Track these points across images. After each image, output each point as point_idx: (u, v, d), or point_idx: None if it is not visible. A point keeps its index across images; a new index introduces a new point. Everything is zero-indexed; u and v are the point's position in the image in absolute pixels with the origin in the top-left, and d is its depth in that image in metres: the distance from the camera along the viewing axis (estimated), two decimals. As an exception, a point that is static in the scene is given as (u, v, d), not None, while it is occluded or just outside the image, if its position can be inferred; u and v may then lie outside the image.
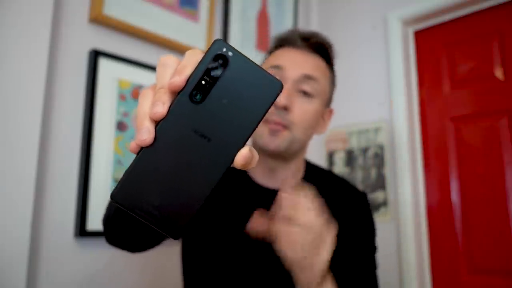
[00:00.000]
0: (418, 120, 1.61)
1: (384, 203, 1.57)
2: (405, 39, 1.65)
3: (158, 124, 0.30)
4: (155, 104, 0.30)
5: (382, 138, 1.61)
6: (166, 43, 1.29)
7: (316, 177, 0.87)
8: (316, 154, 1.79)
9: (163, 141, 0.30)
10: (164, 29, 1.30)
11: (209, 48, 0.30)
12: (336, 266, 0.79)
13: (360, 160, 1.67)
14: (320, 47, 0.81)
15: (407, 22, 1.64)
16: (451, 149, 1.51)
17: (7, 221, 0.90)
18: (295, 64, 0.77)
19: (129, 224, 0.61)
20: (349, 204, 0.86)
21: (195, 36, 1.39)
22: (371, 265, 0.82)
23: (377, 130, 1.63)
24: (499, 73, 1.44)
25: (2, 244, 0.89)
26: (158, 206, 0.30)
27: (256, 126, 0.31)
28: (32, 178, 0.95)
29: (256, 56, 1.64)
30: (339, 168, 1.73)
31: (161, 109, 0.30)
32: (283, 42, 0.83)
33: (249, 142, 0.38)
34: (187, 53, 0.32)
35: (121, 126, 1.16)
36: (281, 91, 0.31)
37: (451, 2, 1.50)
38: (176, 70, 0.31)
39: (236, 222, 0.78)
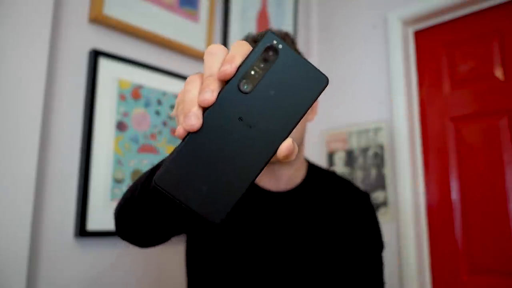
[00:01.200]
0: (418, 120, 1.61)
1: (384, 203, 1.57)
2: (405, 39, 1.65)
3: (205, 110, 0.31)
4: (204, 91, 0.30)
5: (382, 138, 1.61)
6: (166, 43, 1.29)
7: (319, 178, 0.87)
8: (316, 154, 1.79)
9: (210, 128, 0.30)
10: (164, 29, 1.30)
11: (260, 39, 0.31)
12: (343, 265, 0.79)
13: (360, 160, 1.67)
14: None
15: (407, 22, 1.64)
16: (451, 149, 1.51)
17: (7, 221, 0.90)
18: None
19: (146, 215, 0.60)
20: (353, 204, 0.86)
21: (195, 36, 1.39)
22: (378, 264, 0.82)
23: (377, 130, 1.63)
24: (499, 73, 1.44)
25: (2, 244, 0.89)
26: (201, 192, 0.31)
27: (301, 118, 0.32)
28: (32, 178, 0.95)
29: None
30: (339, 168, 1.73)
31: (210, 96, 0.30)
32: None
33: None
34: (235, 44, 0.32)
35: (121, 126, 1.16)
36: (327, 85, 0.32)
37: (451, 2, 1.50)
38: (226, 59, 0.31)
39: (241, 226, 0.78)
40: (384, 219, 1.55)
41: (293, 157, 0.32)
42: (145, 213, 0.59)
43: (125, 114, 1.17)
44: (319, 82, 0.32)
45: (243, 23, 1.61)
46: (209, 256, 0.79)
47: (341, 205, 0.84)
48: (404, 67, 1.60)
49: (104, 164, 1.11)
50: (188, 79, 0.33)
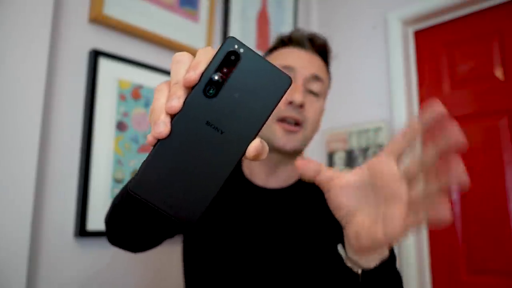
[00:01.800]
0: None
1: (384, 203, 1.57)
2: (405, 39, 1.65)
3: (174, 117, 0.31)
4: (170, 99, 0.31)
5: (382, 138, 1.61)
6: (166, 43, 1.29)
7: None
8: (316, 154, 1.79)
9: (178, 134, 0.31)
10: (164, 29, 1.30)
11: (221, 45, 0.32)
12: (339, 261, 0.79)
13: (360, 160, 1.67)
14: (323, 50, 0.84)
15: (407, 22, 1.64)
16: (451, 149, 1.51)
17: (7, 221, 0.90)
18: (304, 65, 0.79)
19: (132, 222, 0.61)
20: None
21: (195, 36, 1.39)
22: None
23: (377, 130, 1.63)
24: (499, 73, 1.44)
25: (2, 244, 0.89)
26: (175, 196, 0.32)
27: (267, 119, 0.32)
28: (32, 178, 0.95)
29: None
30: (339, 168, 1.73)
31: (177, 103, 0.31)
32: (289, 41, 0.84)
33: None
34: (200, 51, 0.33)
35: (121, 126, 1.16)
36: (290, 86, 0.32)
37: (451, 2, 1.50)
38: (190, 66, 0.32)
39: (234, 222, 0.78)
40: (384, 219, 1.55)
41: (264, 156, 0.33)
42: (130, 219, 0.61)
43: (125, 114, 1.17)
44: (283, 82, 0.32)
45: (243, 23, 1.61)
46: (203, 253, 0.79)
47: None
48: (404, 67, 1.60)
49: (104, 164, 1.11)
50: (156, 88, 0.34)
